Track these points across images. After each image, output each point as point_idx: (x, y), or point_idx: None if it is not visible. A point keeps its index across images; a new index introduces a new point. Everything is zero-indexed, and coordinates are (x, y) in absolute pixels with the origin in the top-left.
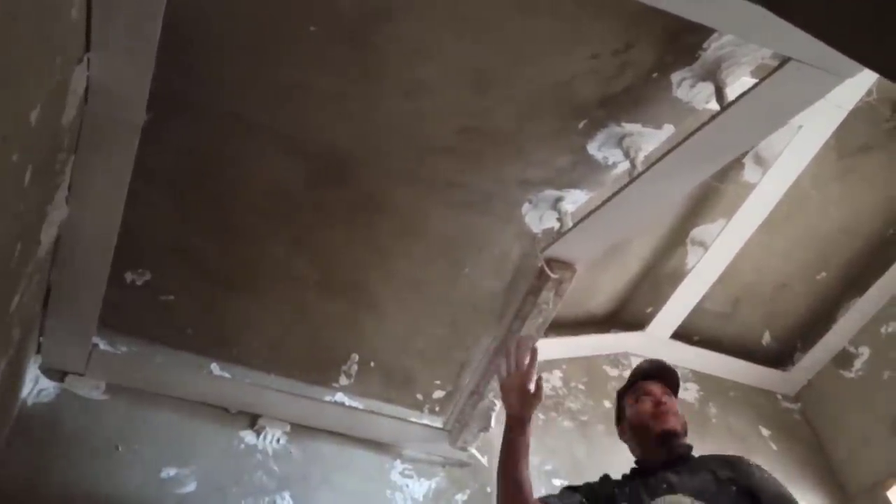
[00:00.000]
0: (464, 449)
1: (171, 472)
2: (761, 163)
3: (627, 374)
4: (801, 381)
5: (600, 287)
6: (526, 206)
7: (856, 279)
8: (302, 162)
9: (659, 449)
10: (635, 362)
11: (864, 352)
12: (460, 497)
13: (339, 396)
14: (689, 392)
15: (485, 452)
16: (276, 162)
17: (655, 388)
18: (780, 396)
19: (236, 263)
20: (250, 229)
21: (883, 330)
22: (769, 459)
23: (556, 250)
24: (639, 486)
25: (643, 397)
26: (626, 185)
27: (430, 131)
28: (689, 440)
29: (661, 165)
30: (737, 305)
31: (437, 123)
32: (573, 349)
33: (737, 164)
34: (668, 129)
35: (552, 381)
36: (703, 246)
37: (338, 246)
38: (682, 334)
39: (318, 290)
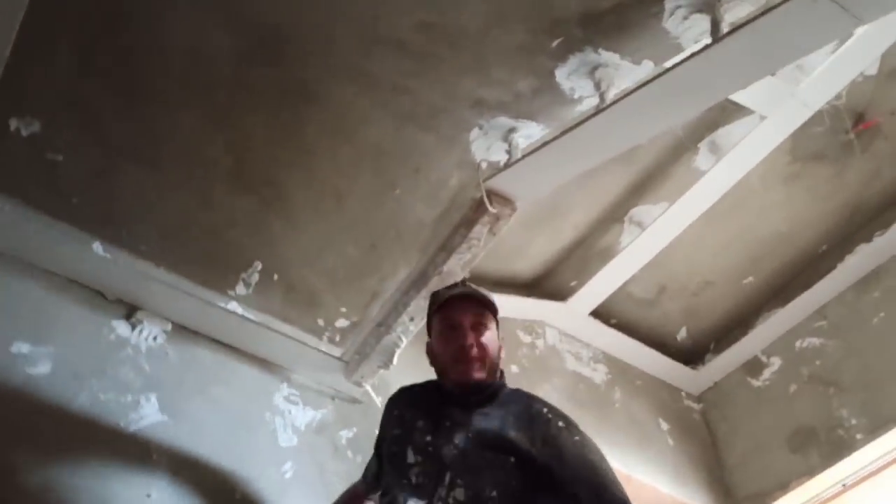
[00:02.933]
0: (359, 384)
1: (23, 347)
2: (716, 151)
3: (541, 343)
4: (707, 381)
5: (529, 250)
6: (475, 132)
7: (780, 289)
8: (233, 31)
9: (459, 391)
10: (550, 334)
11: (776, 362)
12: (345, 434)
13: (233, 306)
14: (597, 373)
15: (380, 392)
16: (202, 24)
17: (466, 319)
18: (684, 394)
19: (140, 130)
20: (161, 94)
21: (798, 344)
22: (664, 453)
23: (500, 182)
24: (423, 414)
25: (450, 331)
26: (590, 117)
27: (384, 20)
28: (535, 392)
29: (634, 99)
30: (660, 294)
31: (395, 12)
32: None
33: (692, 147)
34: (646, 67)
35: None
36: (641, 227)
37: (258, 133)
38: (602, 313)
39: (229, 180)
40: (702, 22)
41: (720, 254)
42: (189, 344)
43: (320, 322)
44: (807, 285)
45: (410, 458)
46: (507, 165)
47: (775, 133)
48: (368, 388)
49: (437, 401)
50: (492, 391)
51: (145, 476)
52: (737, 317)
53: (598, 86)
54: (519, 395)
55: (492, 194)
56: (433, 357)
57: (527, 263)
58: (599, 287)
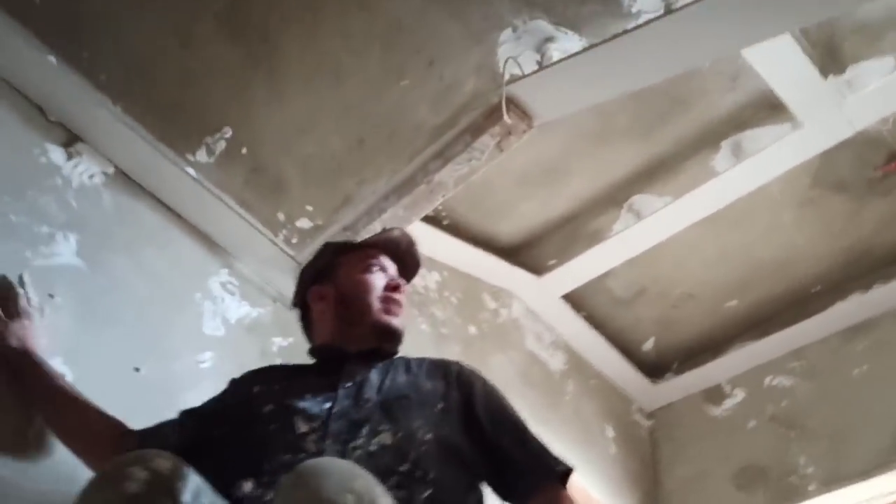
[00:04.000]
0: None
1: None
2: (738, 153)
3: (505, 312)
4: (663, 399)
5: (517, 211)
6: (507, 34)
7: (762, 320)
8: None
9: (369, 340)
10: (517, 306)
11: (739, 395)
12: (279, 341)
13: (189, 171)
14: (554, 360)
15: None
16: None
17: (392, 268)
18: (636, 406)
19: None
20: None
21: (766, 381)
22: (604, 460)
23: (523, 90)
24: (304, 387)
25: (375, 270)
26: (646, 23)
27: None
28: (488, 361)
29: (696, 12)
30: (638, 296)
31: None
32: (459, 259)
33: (713, 145)
34: None
35: (427, 281)
36: (638, 216)
37: None
38: (574, 300)
39: (217, 21)
40: None
41: (711, 266)
42: (130, 195)
43: (280, 216)
44: (790, 322)
45: (302, 427)
46: (536, 72)
47: (807, 147)
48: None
49: (318, 370)
50: (394, 351)
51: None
52: (710, 339)
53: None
54: (414, 357)
55: (511, 102)
56: (342, 300)
57: (510, 226)
58: (579, 271)
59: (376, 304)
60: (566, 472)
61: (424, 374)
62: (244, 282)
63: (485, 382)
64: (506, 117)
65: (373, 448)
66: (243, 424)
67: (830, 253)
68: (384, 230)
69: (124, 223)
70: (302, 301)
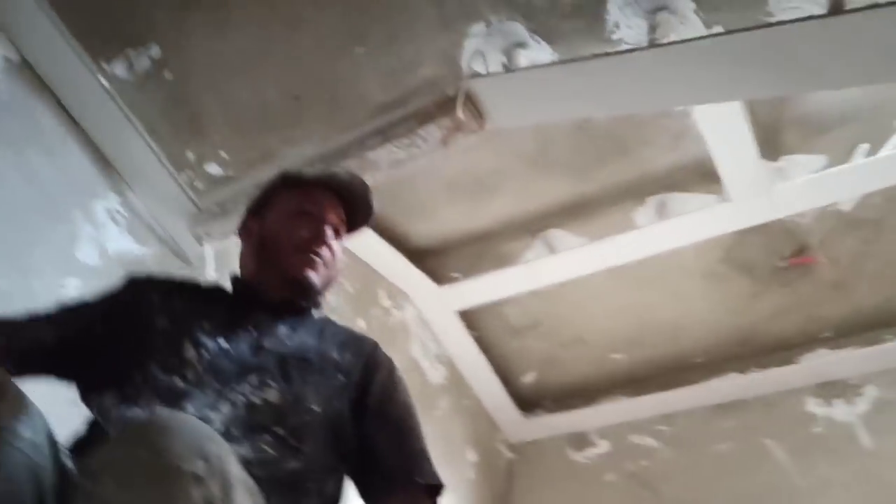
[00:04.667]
0: (199, 241)
1: None
2: (661, 212)
3: (397, 314)
4: (529, 434)
5: (435, 217)
6: (479, 28)
7: (641, 379)
8: None
9: (282, 290)
10: (410, 311)
11: (604, 446)
12: None
13: (103, 81)
14: (435, 373)
15: (219, 265)
16: None
17: (332, 214)
18: (502, 436)
19: None
20: None
21: (632, 438)
22: (462, 483)
23: (483, 88)
24: (206, 314)
25: (304, 217)
26: (621, 52)
27: None
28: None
29: (684, 51)
30: (531, 329)
31: None
32: (365, 249)
33: (639, 199)
34: (714, 30)
35: None
36: (551, 250)
37: None
38: (468, 318)
39: None
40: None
41: (608, 316)
42: (30, 90)
43: (190, 156)
44: (667, 386)
45: (189, 352)
46: (500, 74)
47: (728, 222)
48: (208, 250)
49: (228, 303)
50: (312, 305)
51: None
52: (588, 386)
53: (652, 29)
54: (334, 323)
55: (468, 98)
56: (263, 244)
57: (424, 229)
58: (480, 290)
59: (294, 255)
60: (437, 485)
61: (337, 344)
62: (134, 215)
63: (392, 373)
64: (459, 112)
65: (255, 400)
66: (129, 329)
67: (721, 329)
68: (337, 170)
69: (17, 118)
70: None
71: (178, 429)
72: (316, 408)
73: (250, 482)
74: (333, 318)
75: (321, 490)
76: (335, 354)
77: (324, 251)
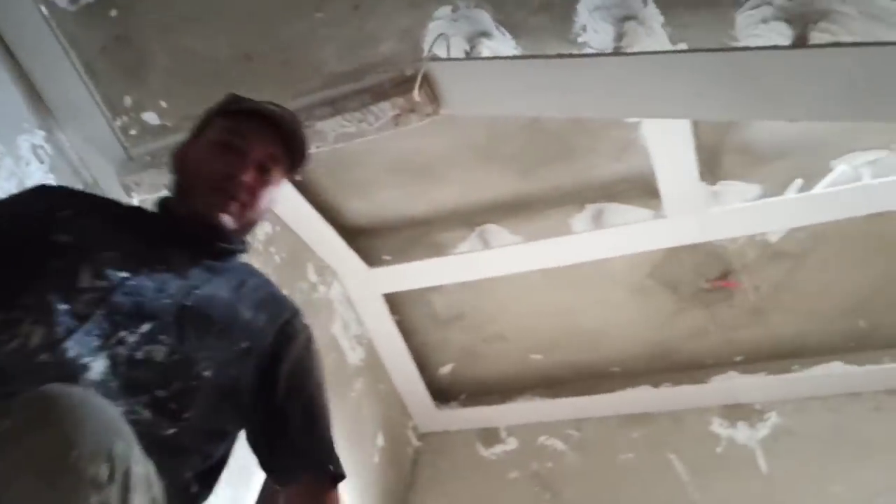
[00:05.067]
0: (128, 191)
1: None
2: (597, 220)
3: (323, 290)
4: (439, 426)
5: (374, 196)
6: (445, 10)
7: (556, 382)
8: None
9: (192, 226)
10: (336, 289)
11: (512, 444)
12: None
13: (43, 9)
14: (353, 353)
15: None
16: None
17: (260, 149)
18: (413, 424)
19: None
20: None
21: (541, 439)
22: (366, 467)
23: (443, 73)
24: (115, 240)
25: (228, 148)
26: (585, 55)
27: None
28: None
29: (653, 63)
30: (455, 320)
31: None
32: (298, 220)
33: (579, 205)
34: (679, 46)
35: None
36: (485, 244)
37: None
38: (393, 302)
39: None
40: (779, 28)
41: (532, 316)
42: None
43: (127, 101)
44: (581, 392)
45: (85, 281)
46: (462, 60)
47: (660, 238)
48: (136, 202)
49: (145, 233)
50: (231, 250)
51: None
52: (504, 383)
53: (618, 37)
54: (256, 272)
55: (426, 80)
56: (183, 163)
57: (361, 207)
58: (409, 276)
59: (208, 192)
60: (340, 476)
61: (254, 302)
62: (59, 154)
63: (309, 345)
64: (416, 93)
65: (138, 355)
66: (23, 241)
67: (640, 342)
68: (266, 105)
69: None
70: None
71: (87, 418)
72: (207, 374)
73: (152, 476)
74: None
75: (205, 453)
76: (248, 314)
77: (242, 191)
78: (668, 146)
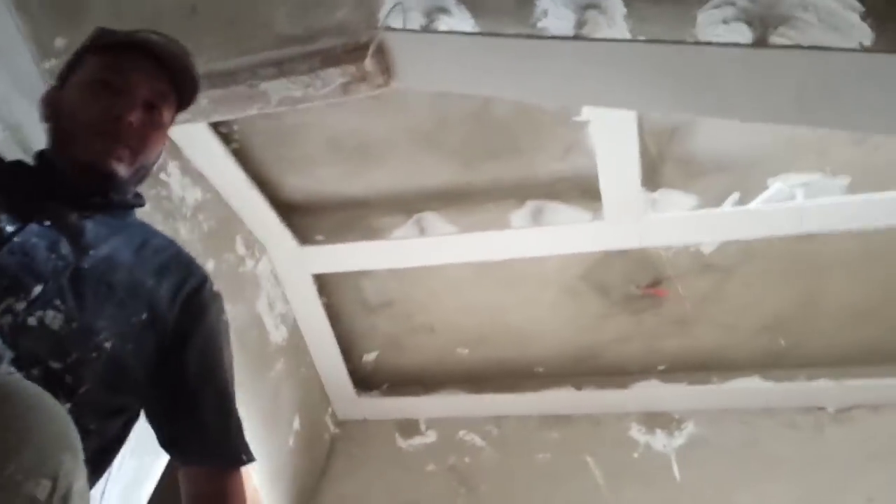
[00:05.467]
0: None
1: None
2: (537, 218)
3: (250, 264)
4: (358, 413)
5: (311, 172)
6: None
7: (480, 378)
8: None
9: (77, 177)
10: (265, 264)
11: (431, 436)
12: None
13: None
14: (277, 332)
15: None
16: None
17: (145, 86)
18: (331, 410)
19: None
20: None
21: (461, 434)
22: (279, 449)
23: (397, 43)
24: (5, 186)
25: (107, 88)
26: (543, 37)
27: None
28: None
29: (612, 51)
30: (384, 308)
31: None
32: (230, 189)
33: (519, 200)
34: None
35: (186, 193)
36: (421, 232)
37: None
38: (322, 283)
39: None
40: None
41: (462, 310)
42: None
43: (59, 43)
44: (503, 390)
45: None
46: (418, 32)
47: (596, 241)
48: None
49: (28, 186)
50: (126, 203)
51: None
52: (428, 375)
53: (579, 25)
54: (158, 233)
55: (380, 50)
56: (57, 110)
57: (298, 182)
58: (341, 258)
59: (90, 137)
60: (248, 461)
61: (155, 267)
62: None
63: (220, 317)
64: (368, 61)
65: (31, 322)
66: None
67: (566, 343)
68: (153, 32)
69: None
70: None
71: (35, 427)
72: (107, 345)
73: (86, 485)
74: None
75: (100, 433)
76: (149, 281)
77: (130, 134)
78: (614, 149)
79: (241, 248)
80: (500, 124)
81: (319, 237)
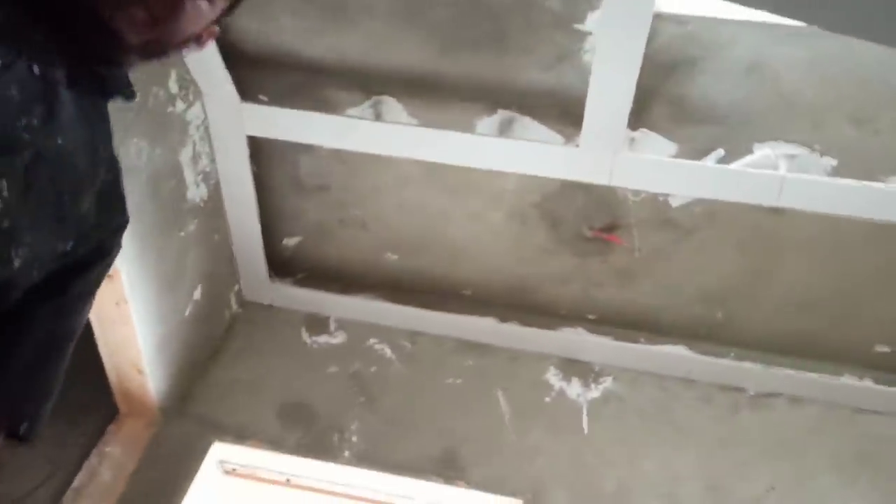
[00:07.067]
0: None
1: None
2: (505, 130)
3: (181, 106)
4: (266, 298)
5: (273, 22)
6: None
7: (403, 289)
8: None
9: (74, 31)
10: (197, 111)
11: (339, 337)
12: None
13: None
14: (196, 190)
15: None
16: None
17: None
18: (237, 288)
19: None
20: None
21: (372, 341)
22: (173, 314)
23: None
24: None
25: None
26: None
27: None
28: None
29: None
30: (318, 190)
31: None
32: None
33: (490, 107)
34: None
35: None
36: (377, 117)
37: None
38: (255, 148)
39: None
40: None
41: (400, 211)
42: None
43: None
44: (425, 305)
45: None
46: None
47: (563, 169)
48: None
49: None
50: (118, 86)
51: None
52: (349, 273)
53: None
54: (112, 145)
55: None
56: None
57: (254, 29)
58: (283, 125)
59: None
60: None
61: (97, 189)
62: None
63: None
64: None
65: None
66: None
67: (502, 271)
68: None
69: None
70: None
71: None
72: (17, 264)
73: None
74: None
75: None
76: (85, 204)
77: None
78: (612, 70)
79: (173, 86)
80: (493, 12)
81: (263, 97)
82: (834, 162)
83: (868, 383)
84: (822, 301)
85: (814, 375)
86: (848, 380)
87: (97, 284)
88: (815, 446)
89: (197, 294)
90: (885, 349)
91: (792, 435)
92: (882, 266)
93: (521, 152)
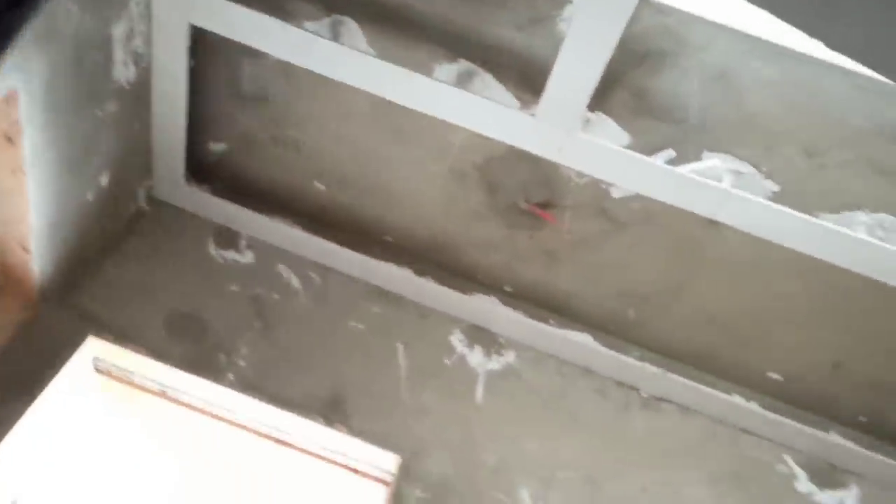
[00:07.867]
0: None
1: None
2: (463, 83)
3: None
4: (179, 201)
5: None
6: None
7: (323, 221)
8: None
9: None
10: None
11: (247, 257)
12: None
13: None
14: (126, 71)
15: None
16: None
17: None
18: (147, 183)
19: None
20: None
21: (279, 268)
22: (74, 199)
23: None
24: None
25: None
26: None
27: None
28: None
29: None
30: (257, 101)
31: None
32: None
33: (453, 56)
34: None
35: None
36: (333, 35)
37: None
38: (198, 41)
39: None
40: None
41: (338, 142)
42: None
43: None
44: (343, 243)
45: None
46: None
47: (516, 135)
48: None
49: None
50: None
51: None
52: (271, 193)
53: None
54: None
55: None
56: None
57: None
58: (231, 21)
59: None
60: None
61: None
62: None
63: None
64: None
65: None
66: None
67: (429, 225)
68: None
69: None
70: None
71: None
72: None
73: None
74: None
75: None
76: None
77: None
78: (585, 45)
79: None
80: None
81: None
82: (776, 188)
83: (754, 406)
84: (731, 320)
85: (707, 389)
86: (737, 399)
87: None
88: (694, 457)
89: (104, 180)
90: (777, 377)
91: (675, 442)
92: (794, 297)
93: (476, 108)
